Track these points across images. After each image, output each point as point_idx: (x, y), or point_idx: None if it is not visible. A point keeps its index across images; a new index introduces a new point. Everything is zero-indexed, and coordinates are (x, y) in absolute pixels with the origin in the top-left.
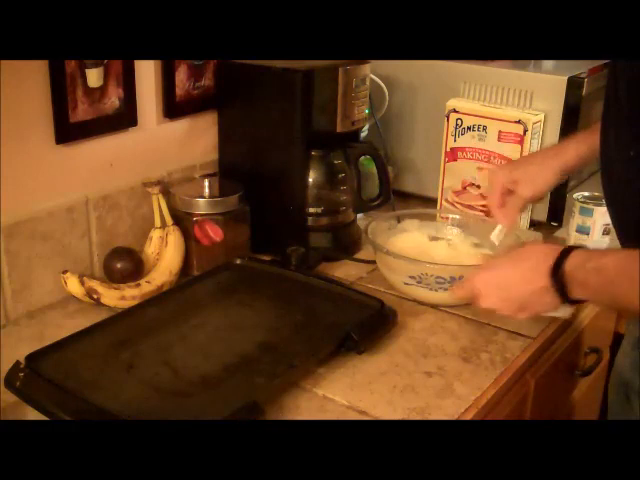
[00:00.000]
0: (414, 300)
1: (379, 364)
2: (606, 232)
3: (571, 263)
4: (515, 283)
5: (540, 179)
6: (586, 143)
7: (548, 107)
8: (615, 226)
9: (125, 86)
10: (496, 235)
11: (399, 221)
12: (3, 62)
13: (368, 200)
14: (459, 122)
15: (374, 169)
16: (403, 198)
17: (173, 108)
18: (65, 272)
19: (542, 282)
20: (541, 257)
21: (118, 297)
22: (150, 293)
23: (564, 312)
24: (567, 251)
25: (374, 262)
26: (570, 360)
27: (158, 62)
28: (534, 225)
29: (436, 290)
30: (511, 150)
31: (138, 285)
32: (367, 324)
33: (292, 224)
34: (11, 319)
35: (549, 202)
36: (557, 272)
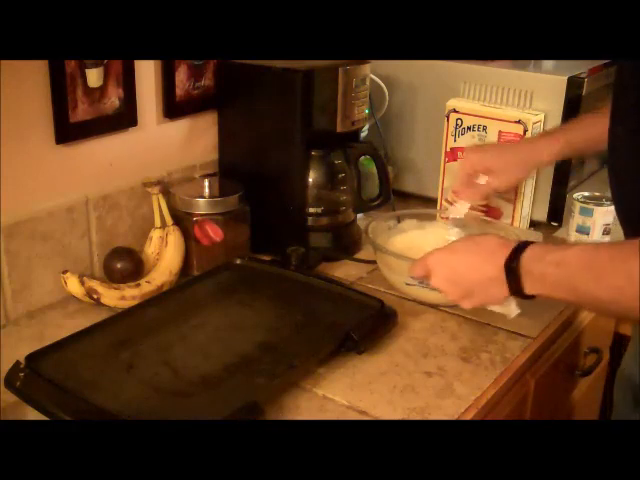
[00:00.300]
0: (414, 300)
1: (379, 364)
2: (606, 232)
3: (528, 255)
4: (465, 268)
5: (512, 174)
6: (560, 142)
7: (548, 107)
8: (621, 221)
9: (125, 86)
10: (454, 211)
11: (399, 221)
12: (3, 62)
13: (368, 200)
14: (459, 122)
15: (374, 169)
16: (403, 198)
17: (173, 108)
18: (65, 272)
19: (493, 272)
20: (497, 247)
21: (118, 297)
22: (150, 293)
23: (510, 311)
24: (525, 244)
25: (374, 262)
26: (570, 360)
27: (158, 62)
28: (534, 225)
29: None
30: None
31: (138, 285)
32: (367, 324)
33: (292, 224)
34: (11, 319)
35: (549, 202)
36: (512, 263)
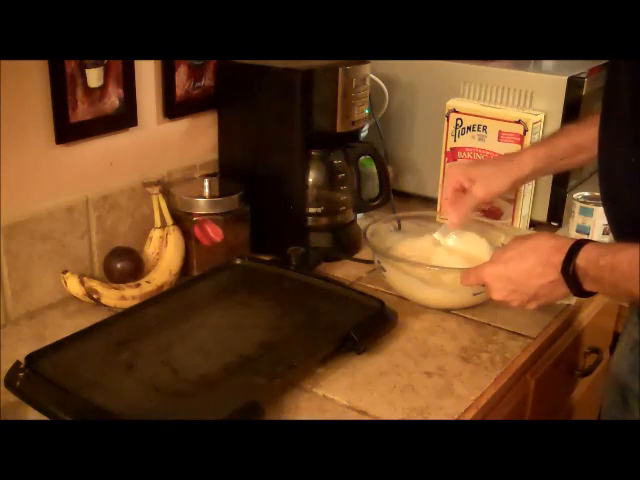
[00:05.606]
0: (417, 303)
1: (379, 364)
2: (606, 232)
3: (583, 258)
4: (526, 277)
5: (495, 182)
6: (544, 155)
7: (548, 107)
8: (610, 223)
9: (125, 86)
10: (441, 231)
11: (399, 224)
12: (3, 62)
13: (368, 200)
14: (459, 122)
15: (374, 169)
16: (403, 198)
17: (173, 108)
18: (65, 272)
19: (553, 276)
20: (551, 251)
21: (118, 297)
22: (150, 293)
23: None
24: (578, 245)
25: (374, 262)
26: (570, 360)
27: (158, 62)
28: (534, 225)
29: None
30: (511, 150)
31: (138, 285)
32: (367, 324)
33: (292, 224)
34: (11, 319)
35: (549, 202)
36: (569, 267)
